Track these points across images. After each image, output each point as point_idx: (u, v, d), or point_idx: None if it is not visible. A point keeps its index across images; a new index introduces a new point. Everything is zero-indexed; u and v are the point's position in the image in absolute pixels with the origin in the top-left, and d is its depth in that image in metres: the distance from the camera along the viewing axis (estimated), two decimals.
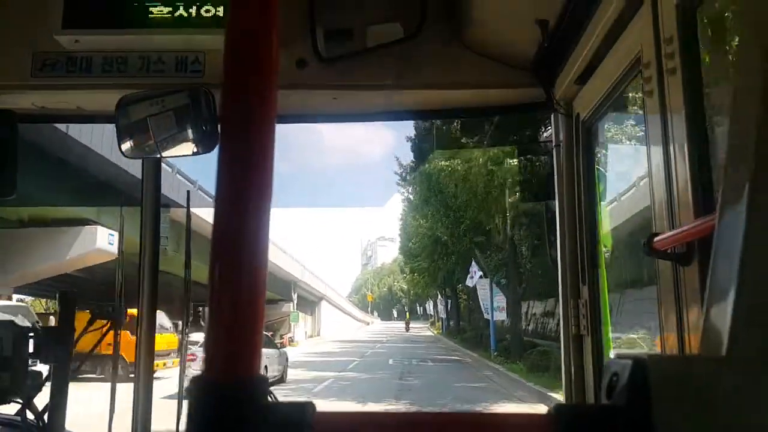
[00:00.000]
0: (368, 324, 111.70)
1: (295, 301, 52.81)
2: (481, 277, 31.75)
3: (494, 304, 29.83)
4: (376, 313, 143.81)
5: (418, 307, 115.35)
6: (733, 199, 0.52)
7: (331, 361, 29.98)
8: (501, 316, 29.96)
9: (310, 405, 0.47)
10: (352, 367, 27.50)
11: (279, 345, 24.41)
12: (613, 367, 0.49)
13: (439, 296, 60.87)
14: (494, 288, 30.14)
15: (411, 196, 40.47)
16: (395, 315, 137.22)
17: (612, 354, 2.17)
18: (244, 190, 0.45)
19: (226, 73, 0.47)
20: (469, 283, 33.86)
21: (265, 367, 18.49)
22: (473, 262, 32.73)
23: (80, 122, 2.66)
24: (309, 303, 63.95)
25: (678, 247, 1.47)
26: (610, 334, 2.17)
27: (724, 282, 0.50)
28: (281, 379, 20.63)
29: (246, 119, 0.46)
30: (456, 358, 32.80)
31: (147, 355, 2.57)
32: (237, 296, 0.44)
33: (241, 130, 0.46)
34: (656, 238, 1.46)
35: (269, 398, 0.46)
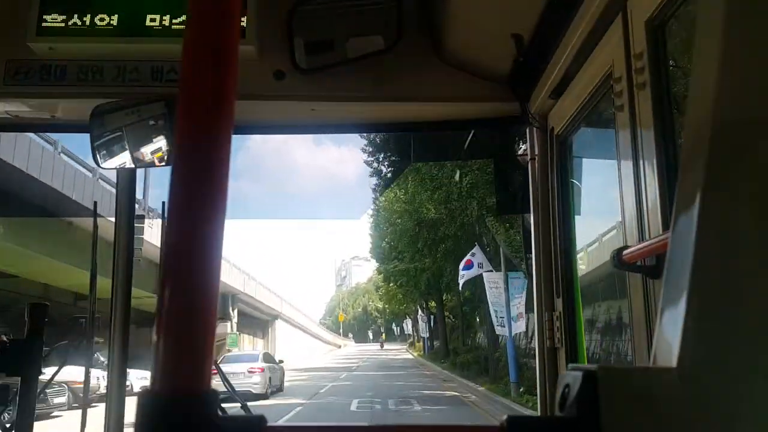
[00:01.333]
0: (339, 347, 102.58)
1: (235, 320, 42.22)
2: (489, 270, 21.79)
3: (512, 311, 19.92)
4: (351, 335, 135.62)
5: (394, 327, 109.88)
6: (685, 211, 0.52)
7: (259, 408, 17.33)
8: (517, 327, 20.09)
9: (260, 418, 0.46)
10: (287, 418, 16.43)
11: (279, 361, 27.41)
12: (566, 379, 0.49)
13: (420, 312, 53.80)
14: (514, 282, 20.01)
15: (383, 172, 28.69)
16: (371, 336, 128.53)
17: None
18: (197, 201, 0.44)
19: (181, 84, 0.46)
20: (467, 276, 23.10)
21: (269, 378, 23.70)
22: (476, 248, 23.07)
23: (54, 131, 2.63)
24: (257, 322, 54.32)
25: (648, 260, 1.48)
26: (585, 346, 2.18)
27: (676, 293, 0.50)
28: (280, 389, 25.88)
29: (201, 132, 0.45)
30: (453, 393, 22.61)
31: (119, 366, 2.53)
32: (187, 309, 0.43)
33: (195, 141, 0.45)
34: (625, 251, 1.48)
35: (220, 413, 0.45)
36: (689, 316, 0.48)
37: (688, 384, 0.46)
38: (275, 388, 24.43)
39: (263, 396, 22.48)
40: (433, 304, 47.20)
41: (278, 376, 25.82)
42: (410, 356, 62.25)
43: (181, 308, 0.44)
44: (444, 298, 41.83)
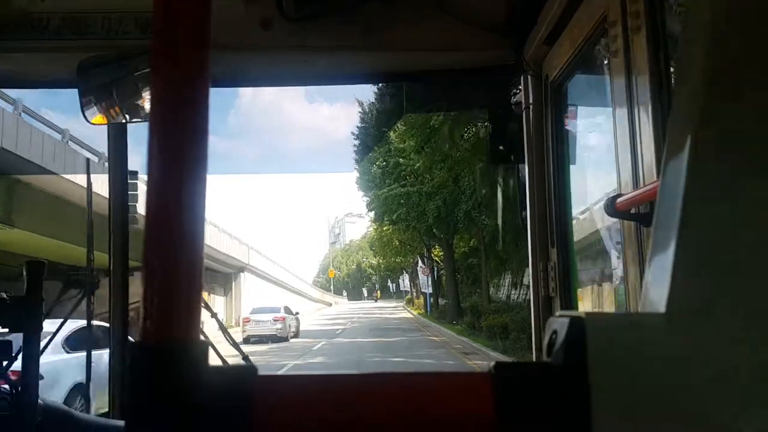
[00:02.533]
0: (330, 305, 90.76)
1: None
2: None
3: None
4: (345, 293, 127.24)
5: (390, 284, 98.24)
6: (674, 155, 0.52)
7: None
8: None
9: (251, 368, 0.47)
10: None
11: (296, 313, 33.01)
12: (553, 325, 0.49)
13: (420, 263, 44.29)
14: None
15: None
16: (365, 294, 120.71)
17: None
18: (178, 153, 0.44)
19: (153, 32, 0.45)
20: None
21: (289, 325, 29.99)
22: None
23: (40, 87, 2.58)
24: (214, 276, 39.20)
25: (642, 207, 1.48)
26: (578, 295, 2.21)
27: (665, 238, 0.50)
28: (296, 335, 30.99)
29: (175, 83, 0.44)
30: None
31: (121, 319, 2.56)
32: (173, 260, 0.43)
33: (170, 93, 0.44)
34: (619, 199, 1.48)
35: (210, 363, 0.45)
36: (678, 261, 0.48)
37: (676, 329, 0.46)
38: (293, 333, 30.45)
39: (285, 339, 28.52)
40: (438, 251, 39.19)
41: (295, 324, 31.98)
42: (409, 315, 51.05)
43: (167, 259, 0.44)
44: (456, 239, 33.12)
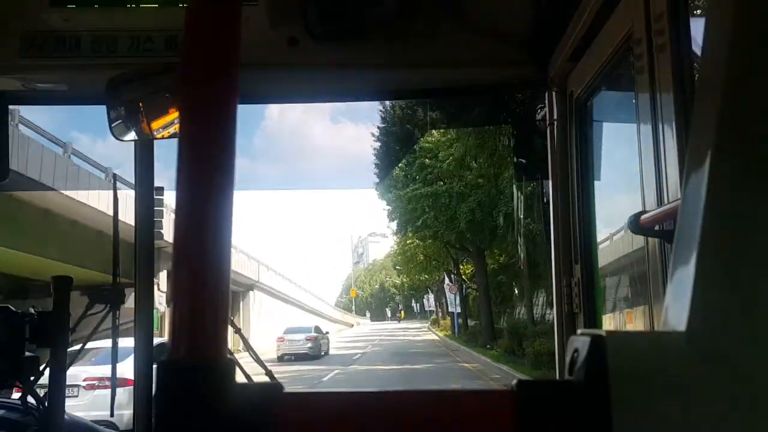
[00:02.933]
0: (351, 326, 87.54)
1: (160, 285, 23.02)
2: None
3: None
4: (368, 313, 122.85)
5: (414, 304, 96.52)
6: (695, 173, 0.51)
7: None
8: None
9: (277, 385, 0.47)
10: None
11: (325, 332, 35.68)
12: (575, 344, 0.49)
13: (447, 280, 40.54)
14: None
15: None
16: (388, 314, 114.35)
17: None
18: (205, 171, 0.45)
19: (185, 52, 0.46)
20: None
21: (320, 344, 32.44)
22: None
23: (71, 104, 2.63)
24: None
25: (666, 224, 1.47)
26: (603, 312, 2.18)
27: (686, 256, 0.49)
28: (327, 353, 33.14)
29: (204, 101, 0.45)
30: None
31: (145, 335, 2.58)
32: (201, 279, 0.44)
33: (199, 111, 0.45)
34: (643, 216, 1.46)
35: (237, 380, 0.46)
36: (699, 280, 0.48)
37: (696, 347, 0.46)
38: (324, 352, 32.76)
39: (316, 357, 30.45)
40: (466, 268, 36.67)
41: (326, 343, 34.36)
42: (434, 337, 47.61)
43: (195, 278, 0.44)
44: (492, 251, 28.83)
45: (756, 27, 0.51)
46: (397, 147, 24.18)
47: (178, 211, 0.44)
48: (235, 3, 0.48)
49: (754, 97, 0.51)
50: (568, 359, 0.50)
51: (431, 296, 63.41)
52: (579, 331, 0.50)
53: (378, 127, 24.71)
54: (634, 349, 0.47)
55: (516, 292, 30.07)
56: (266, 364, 2.34)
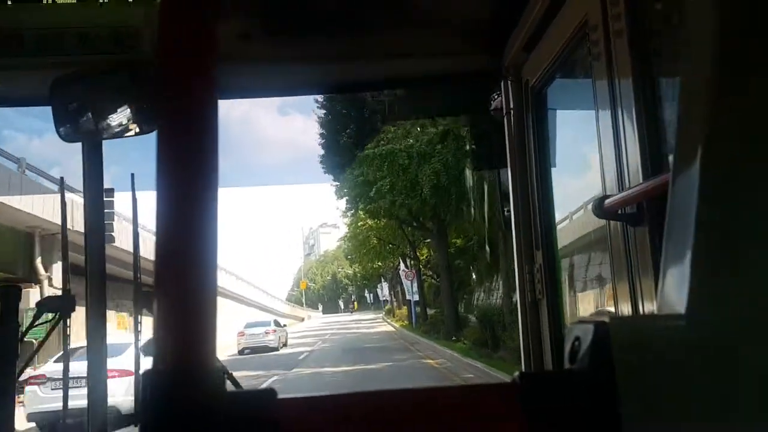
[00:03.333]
0: (302, 320, 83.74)
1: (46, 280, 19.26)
2: None
3: None
4: (320, 306, 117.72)
5: (367, 295, 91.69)
6: (686, 153, 0.51)
7: None
8: None
9: (270, 391, 0.45)
10: None
11: (283, 325, 37.70)
12: (575, 332, 0.49)
13: (403, 265, 37.33)
14: None
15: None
16: (341, 306, 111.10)
17: (568, 318, 2.21)
18: (189, 172, 0.42)
19: (160, 50, 0.43)
20: None
21: (279, 337, 33.55)
22: None
23: (14, 105, 2.52)
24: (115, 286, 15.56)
25: (628, 208, 1.49)
26: (566, 299, 2.21)
27: (681, 238, 0.49)
28: (285, 344, 34.51)
29: (187, 97, 0.43)
30: None
31: (97, 344, 2.50)
32: (186, 285, 0.42)
33: (181, 108, 0.43)
34: (607, 201, 1.48)
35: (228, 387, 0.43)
36: (696, 261, 0.47)
37: (698, 330, 0.46)
38: (282, 344, 34.12)
39: (276, 349, 31.71)
40: (425, 252, 33.99)
41: (284, 335, 35.97)
42: (390, 328, 44.24)
43: (180, 284, 0.42)
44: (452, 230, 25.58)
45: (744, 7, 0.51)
46: (350, 140, 22.50)
47: (160, 214, 0.42)
48: None
49: (745, 74, 0.50)
50: (568, 348, 0.49)
51: (385, 285, 58.33)
52: (578, 319, 0.49)
53: (327, 121, 23.60)
54: (636, 334, 0.46)
55: (474, 277, 26.33)
56: (228, 358, 2.29)
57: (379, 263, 44.09)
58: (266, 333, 32.72)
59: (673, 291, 0.49)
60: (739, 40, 0.50)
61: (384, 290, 61.74)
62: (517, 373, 0.47)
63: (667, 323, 0.48)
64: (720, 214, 0.48)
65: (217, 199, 0.43)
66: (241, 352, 30.46)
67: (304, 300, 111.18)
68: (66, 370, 2.60)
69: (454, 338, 22.87)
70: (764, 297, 0.47)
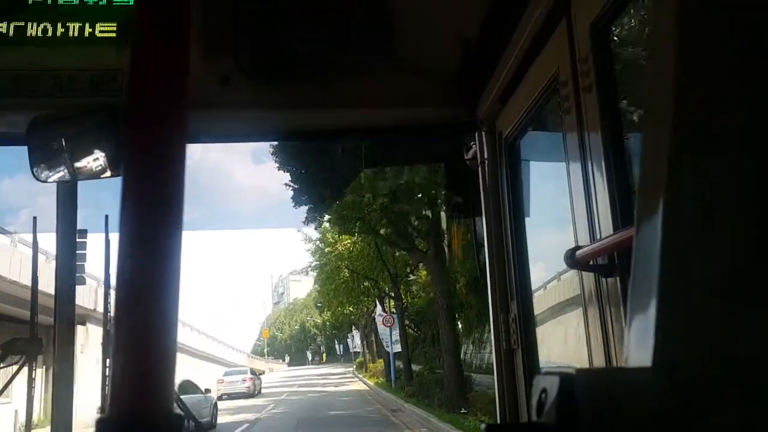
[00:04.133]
0: (262, 373, 67.54)
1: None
2: None
3: None
4: (287, 357, 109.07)
5: (336, 346, 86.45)
6: (649, 207, 0.52)
7: None
8: None
9: None
10: None
11: (260, 373, 42.24)
12: (541, 383, 0.48)
13: (380, 309, 32.12)
14: None
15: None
16: (309, 357, 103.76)
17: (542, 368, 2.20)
18: (153, 217, 0.42)
19: (130, 94, 0.43)
20: None
21: (255, 384, 37.51)
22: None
23: None
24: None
25: (600, 259, 1.51)
26: (539, 349, 2.21)
27: (646, 291, 0.50)
28: (260, 392, 37.84)
29: (153, 143, 0.43)
30: None
31: (65, 386, 2.43)
32: (145, 329, 0.41)
33: (148, 153, 0.43)
34: (579, 252, 1.50)
35: None
36: (660, 314, 0.48)
37: (665, 382, 0.46)
38: (257, 391, 37.33)
39: (252, 395, 34.91)
40: (406, 293, 29.39)
41: (259, 384, 39.34)
42: (362, 387, 37.08)
43: (139, 328, 0.41)
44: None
45: (701, 54, 0.53)
46: (325, 188, 21.81)
47: (121, 256, 0.42)
48: (181, 36, 0.45)
49: (705, 126, 0.52)
50: (535, 400, 0.49)
51: (357, 334, 52.96)
52: (544, 370, 0.49)
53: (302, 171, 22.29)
54: (602, 387, 0.46)
55: (460, 326, 22.70)
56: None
57: (351, 308, 39.10)
58: (243, 380, 36.06)
59: (639, 344, 0.49)
60: (698, 101, 0.52)
61: (355, 340, 56.58)
62: (484, 425, 0.47)
63: (633, 376, 0.48)
64: (682, 268, 0.49)
65: (180, 243, 0.42)
66: (220, 398, 29.07)
67: (266, 351, 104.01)
68: (29, 412, 2.52)
69: (462, 410, 16.62)
70: (732, 348, 0.48)
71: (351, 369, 58.07)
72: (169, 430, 0.41)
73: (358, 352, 57.24)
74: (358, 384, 40.06)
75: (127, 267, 0.42)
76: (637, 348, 0.49)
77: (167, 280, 0.42)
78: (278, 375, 70.97)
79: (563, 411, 0.45)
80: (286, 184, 21.71)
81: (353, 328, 53.90)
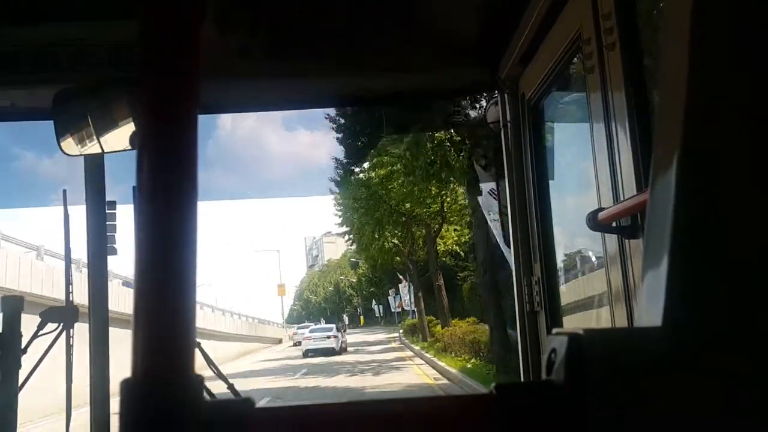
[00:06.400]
0: (280, 341, 59.36)
1: None
2: None
3: None
4: (322, 321, 77.94)
5: (375, 306, 73.31)
6: (664, 167, 0.52)
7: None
8: None
9: (248, 400, 0.46)
10: None
11: (344, 329, 44.61)
12: (552, 343, 0.49)
13: (486, 186, 3.41)
14: None
15: None
16: (346, 321, 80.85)
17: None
18: (167, 186, 0.43)
19: (141, 64, 0.44)
20: None
21: (340, 341, 37.10)
22: None
23: (16, 120, 2.54)
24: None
25: (623, 221, 1.50)
26: (563, 310, 2.21)
27: (658, 251, 0.50)
28: (345, 349, 37.21)
29: (164, 114, 0.44)
30: None
31: (101, 354, 2.51)
32: (166, 293, 0.43)
33: (160, 124, 0.44)
34: (601, 213, 1.49)
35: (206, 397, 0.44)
36: (671, 274, 0.48)
37: (674, 341, 0.46)
38: (342, 348, 36.95)
39: (337, 352, 34.56)
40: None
41: (345, 340, 39.23)
42: (423, 369, 21.90)
43: (160, 293, 0.43)
44: None
45: (716, 17, 0.52)
46: (353, 155, 21.68)
47: (139, 225, 0.43)
48: (194, 9, 0.46)
49: (720, 86, 0.51)
50: (545, 359, 0.49)
51: (404, 287, 41.72)
52: (555, 330, 0.50)
53: (334, 138, 21.20)
54: (611, 347, 0.47)
55: None
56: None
57: (395, 241, 30.10)
58: (328, 337, 36.67)
59: (650, 304, 0.50)
60: (713, 59, 0.52)
61: (403, 295, 43.79)
62: (493, 384, 0.48)
63: (643, 335, 0.49)
64: (695, 228, 0.49)
65: (196, 211, 0.44)
66: (305, 354, 34.77)
67: (282, 310, 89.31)
68: (69, 380, 2.61)
69: None
70: (740, 308, 0.48)
71: (396, 335, 44.50)
72: (192, 390, 0.42)
73: (406, 312, 44.91)
74: (411, 363, 24.89)
75: (145, 234, 0.43)
76: (648, 308, 0.49)
77: (184, 245, 0.43)
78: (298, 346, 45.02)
79: (571, 370, 0.46)
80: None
81: (401, 277, 41.80)
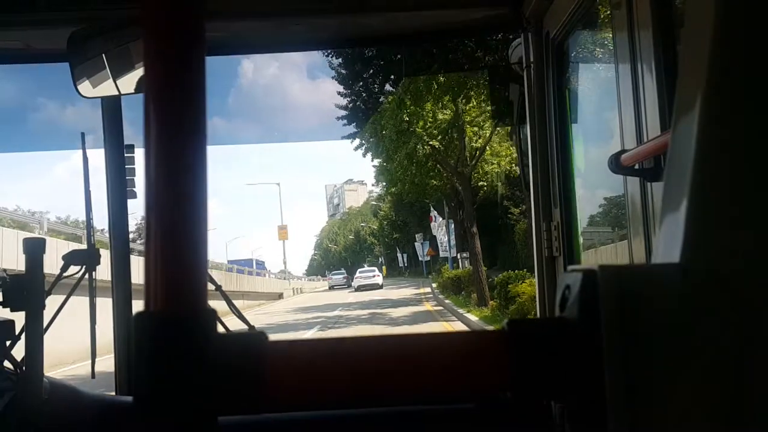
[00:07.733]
0: (280, 296, 44.87)
1: None
2: None
3: None
4: (342, 270, 70.33)
5: (399, 255, 64.48)
6: (686, 105, 0.50)
7: None
8: None
9: (261, 333, 0.46)
10: None
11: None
12: (566, 280, 0.48)
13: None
14: None
15: None
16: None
17: None
18: (175, 125, 0.43)
19: (144, 5, 0.43)
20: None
21: (381, 278, 49.54)
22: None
23: (32, 62, 2.53)
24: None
25: (646, 163, 1.46)
26: (582, 255, 2.19)
27: (678, 190, 0.49)
28: (381, 286, 46.21)
29: (170, 54, 0.43)
30: None
31: (123, 295, 2.55)
32: (177, 228, 0.43)
33: (165, 65, 0.43)
34: (624, 155, 1.45)
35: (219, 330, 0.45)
36: (691, 212, 0.47)
37: (692, 277, 0.45)
38: (380, 286, 45.75)
39: (381, 287, 44.34)
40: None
41: (381, 278, 48.92)
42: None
43: (171, 228, 0.43)
44: None
45: None
46: (373, 96, 19.50)
47: (148, 162, 0.43)
48: None
49: (748, 30, 0.49)
50: (559, 296, 0.49)
51: (439, 225, 33.01)
52: (569, 268, 0.49)
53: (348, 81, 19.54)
54: (626, 283, 0.46)
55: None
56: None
57: (434, 182, 23.52)
58: (374, 276, 47.79)
59: (668, 241, 0.49)
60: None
61: (438, 237, 35.15)
62: (507, 321, 0.47)
63: (660, 272, 0.48)
64: (716, 167, 0.48)
65: (205, 149, 0.44)
66: (357, 289, 44.31)
67: (285, 257, 69.27)
68: (93, 321, 2.67)
69: None
70: (757, 252, 0.46)
71: (428, 291, 32.77)
72: (204, 323, 0.43)
73: (437, 260, 38.32)
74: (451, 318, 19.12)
75: (154, 174, 0.43)
76: (666, 246, 0.48)
77: (194, 184, 0.43)
78: (305, 298, 43.59)
79: (584, 306, 0.45)
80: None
81: (432, 215, 34.22)
